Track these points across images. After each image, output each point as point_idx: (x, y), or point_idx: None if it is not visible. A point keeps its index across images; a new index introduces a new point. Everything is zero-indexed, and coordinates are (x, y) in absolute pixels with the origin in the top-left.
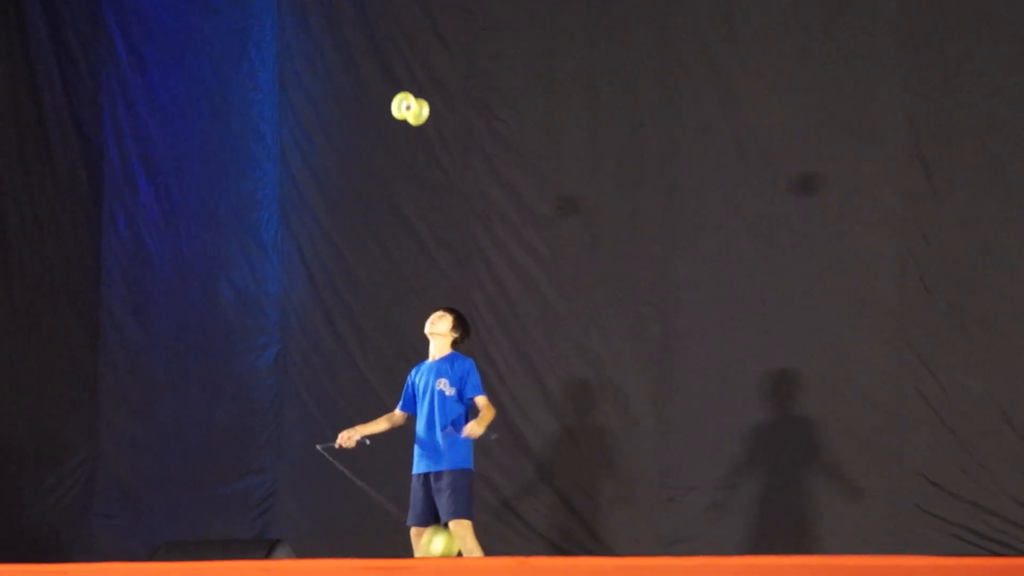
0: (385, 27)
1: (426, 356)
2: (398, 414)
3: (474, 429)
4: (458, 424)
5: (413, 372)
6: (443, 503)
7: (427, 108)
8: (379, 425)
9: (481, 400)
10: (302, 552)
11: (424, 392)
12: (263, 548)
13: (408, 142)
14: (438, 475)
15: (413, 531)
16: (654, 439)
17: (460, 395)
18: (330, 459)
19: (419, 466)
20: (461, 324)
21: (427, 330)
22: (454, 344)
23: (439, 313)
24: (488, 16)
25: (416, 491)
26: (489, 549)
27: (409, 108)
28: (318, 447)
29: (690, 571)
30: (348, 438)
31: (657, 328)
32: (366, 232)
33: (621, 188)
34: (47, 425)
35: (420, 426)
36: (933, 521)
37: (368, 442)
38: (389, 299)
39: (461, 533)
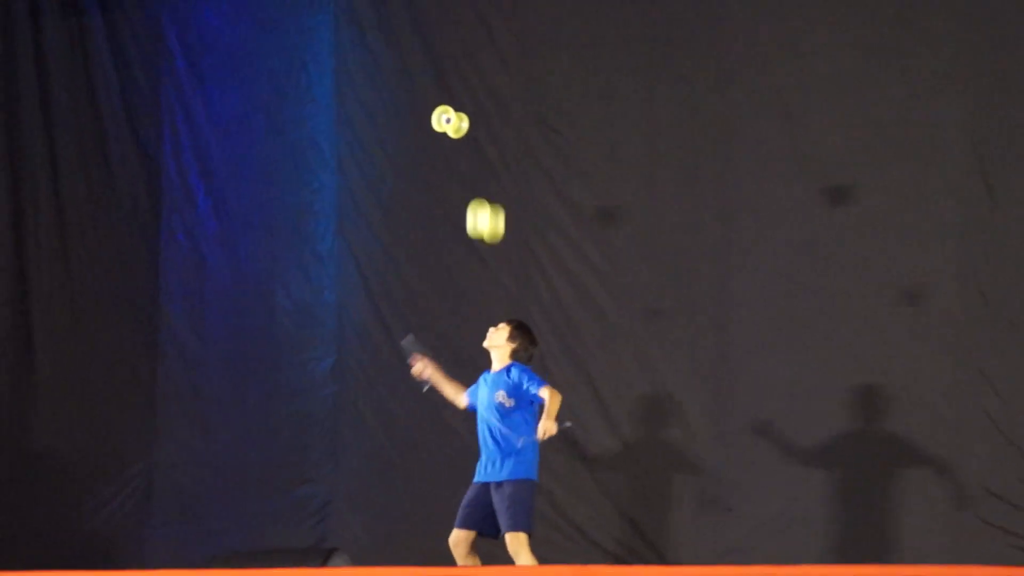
0: (442, 40)
1: (488, 367)
2: (463, 395)
3: (546, 426)
4: (527, 434)
5: (483, 377)
6: (502, 513)
7: (467, 121)
8: (448, 389)
9: (544, 391)
10: (359, 561)
11: (486, 404)
12: (320, 557)
13: (465, 154)
14: (499, 485)
15: (455, 533)
16: (712, 450)
17: (520, 404)
18: (412, 347)
19: (481, 475)
20: (520, 334)
21: (485, 344)
22: (514, 354)
23: (499, 325)
24: (545, 29)
25: (471, 495)
26: (547, 559)
27: (449, 121)
28: (407, 339)
29: None
30: (422, 369)
31: (715, 340)
32: (423, 243)
33: (678, 200)
34: (107, 436)
35: (481, 437)
36: (995, 533)
37: (425, 389)
38: (446, 310)
39: (516, 547)
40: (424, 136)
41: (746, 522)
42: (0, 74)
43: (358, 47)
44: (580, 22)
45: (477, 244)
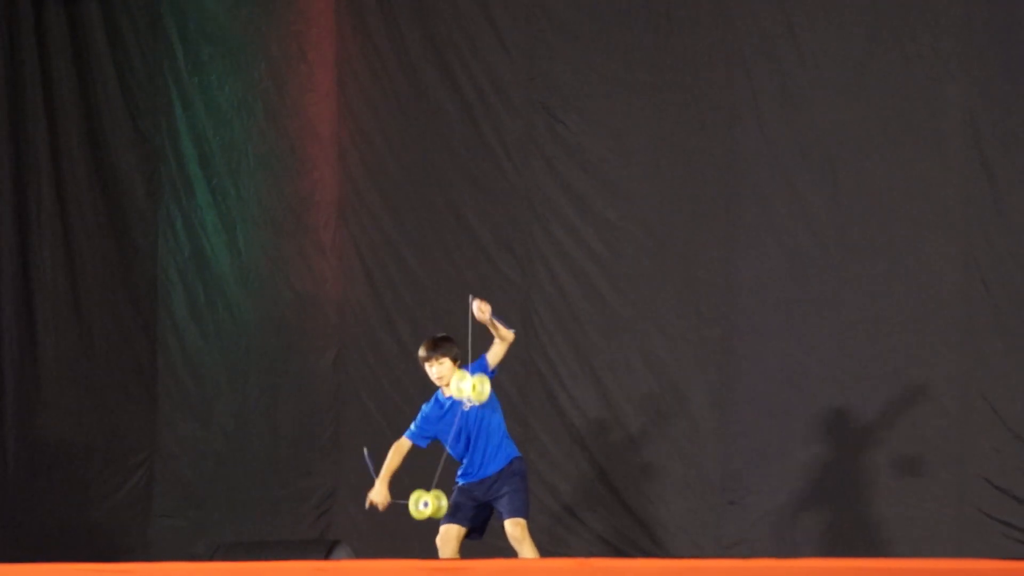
0: (444, 28)
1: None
2: (404, 442)
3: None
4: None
5: (438, 405)
6: (507, 499)
7: (444, 499)
8: (394, 462)
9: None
10: (361, 553)
11: (460, 425)
12: (322, 548)
13: (467, 144)
14: (499, 473)
15: (445, 528)
16: (715, 442)
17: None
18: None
19: (478, 474)
20: (452, 348)
21: (444, 385)
22: (458, 364)
23: (435, 360)
24: (549, 17)
25: (461, 496)
26: (549, 551)
27: (426, 505)
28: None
29: (750, 572)
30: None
31: (718, 330)
32: (425, 234)
33: (682, 190)
34: (109, 426)
35: (465, 446)
36: (997, 525)
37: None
38: (448, 301)
39: (523, 533)
40: (426, 125)
41: (749, 514)
42: (4, 65)
43: (359, 34)
44: (583, 9)
45: (480, 236)
